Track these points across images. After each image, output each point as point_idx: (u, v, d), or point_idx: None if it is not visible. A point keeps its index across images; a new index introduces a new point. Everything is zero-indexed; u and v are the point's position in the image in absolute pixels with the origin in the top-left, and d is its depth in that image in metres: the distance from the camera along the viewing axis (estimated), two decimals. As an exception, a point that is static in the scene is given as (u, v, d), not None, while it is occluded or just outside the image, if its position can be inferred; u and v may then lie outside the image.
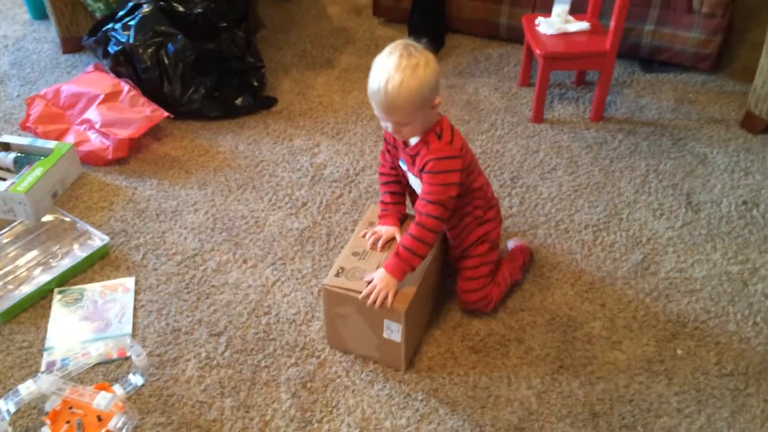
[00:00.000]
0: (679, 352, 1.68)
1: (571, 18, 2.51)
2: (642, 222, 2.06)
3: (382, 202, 1.72)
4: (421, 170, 1.54)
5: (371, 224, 1.69)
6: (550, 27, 2.47)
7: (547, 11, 2.55)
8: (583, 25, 2.47)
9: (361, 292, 1.52)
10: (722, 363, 1.64)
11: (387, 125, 1.53)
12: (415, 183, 1.66)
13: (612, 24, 2.30)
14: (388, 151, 1.70)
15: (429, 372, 1.63)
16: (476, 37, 3.07)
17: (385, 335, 1.55)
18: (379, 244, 1.63)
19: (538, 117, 2.53)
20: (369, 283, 1.53)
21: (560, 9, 2.49)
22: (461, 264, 1.74)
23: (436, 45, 3.00)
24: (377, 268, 1.56)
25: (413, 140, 1.57)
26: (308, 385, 1.61)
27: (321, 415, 1.54)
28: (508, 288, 1.79)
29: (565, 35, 2.46)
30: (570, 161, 2.32)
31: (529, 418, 1.53)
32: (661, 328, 1.74)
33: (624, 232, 2.03)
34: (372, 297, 1.50)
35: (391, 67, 1.43)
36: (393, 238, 1.65)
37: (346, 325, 1.61)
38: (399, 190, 1.74)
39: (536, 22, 2.53)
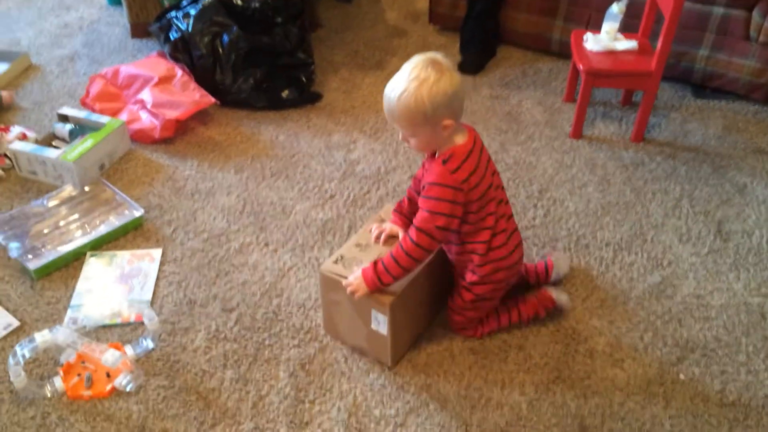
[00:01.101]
0: (681, 376, 1.65)
1: (620, 36, 2.49)
2: (666, 245, 2.03)
3: (400, 203, 1.72)
4: (419, 192, 1.53)
5: (382, 221, 1.72)
6: (597, 44, 2.46)
7: (600, 28, 2.53)
8: (631, 44, 2.45)
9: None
10: (725, 392, 1.61)
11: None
12: None
13: (659, 44, 2.27)
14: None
15: (425, 368, 1.66)
16: (528, 50, 3.08)
17: (372, 326, 1.58)
18: (382, 238, 1.66)
19: (577, 133, 2.51)
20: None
21: (609, 26, 2.47)
22: (451, 291, 1.71)
23: (486, 55, 3.03)
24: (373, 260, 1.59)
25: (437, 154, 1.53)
26: (306, 367, 1.66)
27: (314, 396, 1.59)
28: (504, 327, 1.75)
29: (611, 53, 2.44)
30: (602, 179, 2.30)
31: (517, 423, 1.54)
32: (667, 351, 1.71)
33: (646, 253, 2.00)
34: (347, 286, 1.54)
35: (403, 76, 1.42)
36: (396, 236, 1.66)
37: (339, 312, 1.65)
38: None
39: (584, 38, 2.52)
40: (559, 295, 1.76)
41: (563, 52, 2.96)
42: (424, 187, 1.51)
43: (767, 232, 2.07)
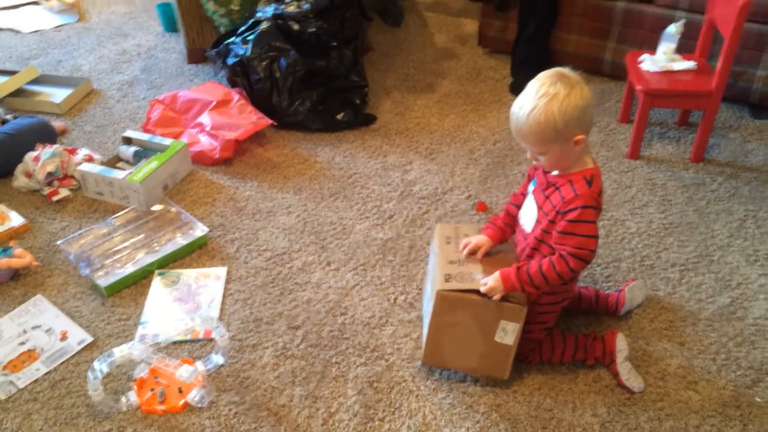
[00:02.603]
0: (758, 399, 1.61)
1: (677, 57, 2.48)
2: (734, 266, 1.99)
3: (496, 216, 1.71)
4: (560, 212, 1.47)
5: (448, 239, 1.70)
6: (654, 64, 2.46)
7: (653, 50, 2.53)
8: (689, 64, 2.44)
9: (477, 291, 1.52)
10: (806, 417, 1.57)
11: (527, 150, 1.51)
12: (529, 209, 1.59)
13: (719, 64, 2.26)
14: (529, 176, 1.65)
15: (493, 387, 1.65)
16: (579, 72, 3.06)
17: (497, 338, 1.55)
18: (467, 251, 1.62)
19: (635, 153, 2.50)
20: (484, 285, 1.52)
21: (666, 47, 2.47)
22: None
23: (537, 77, 3.03)
24: (482, 272, 1.57)
25: (556, 171, 1.52)
26: (374, 384, 1.66)
27: (383, 414, 1.59)
28: (555, 362, 1.70)
29: (669, 73, 2.43)
30: (663, 199, 2.28)
31: (590, 445, 1.52)
32: (741, 374, 1.67)
33: (713, 274, 1.97)
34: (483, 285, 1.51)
35: (531, 93, 1.42)
36: (480, 247, 1.63)
37: (452, 335, 1.59)
38: (517, 215, 1.68)
39: (640, 59, 2.51)
40: (630, 378, 1.64)
41: (615, 74, 2.95)
42: (567, 212, 1.45)
43: (839, 253, 2.02)
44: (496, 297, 1.50)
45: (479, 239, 1.65)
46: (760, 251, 2.04)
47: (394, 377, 1.68)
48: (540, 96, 1.40)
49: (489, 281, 1.51)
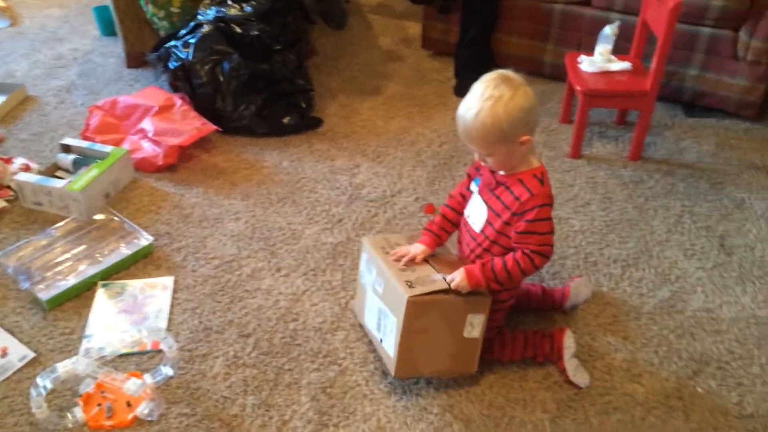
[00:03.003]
0: (699, 390, 1.67)
1: (613, 57, 2.55)
2: (672, 260, 2.07)
3: (432, 222, 1.71)
4: (516, 213, 1.50)
5: (384, 249, 1.67)
6: (592, 65, 2.53)
7: (591, 51, 2.60)
8: (625, 65, 2.52)
9: (444, 291, 1.52)
10: (743, 404, 1.63)
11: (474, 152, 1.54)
12: (478, 209, 1.61)
13: (653, 64, 2.34)
14: (469, 175, 1.68)
15: (446, 388, 1.66)
16: (520, 73, 3.12)
17: (465, 334, 1.57)
18: (404, 261, 1.62)
19: (576, 152, 2.56)
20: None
21: (603, 48, 2.54)
22: None
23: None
24: (436, 272, 1.58)
25: (503, 171, 1.55)
26: (328, 390, 1.66)
27: (338, 420, 1.59)
28: (506, 360, 1.72)
29: (606, 74, 2.50)
30: (604, 197, 2.34)
31: (541, 441, 1.55)
32: (683, 365, 1.74)
33: (653, 269, 2.03)
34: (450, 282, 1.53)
35: (476, 95, 1.44)
36: (417, 257, 1.63)
37: (423, 340, 1.57)
38: (454, 218, 1.70)
39: (579, 60, 2.58)
40: (577, 374, 1.68)
41: (555, 75, 3.02)
42: (525, 212, 1.49)
43: (768, 246, 2.12)
44: (463, 290, 1.52)
45: (416, 248, 1.64)
46: (696, 245, 2.13)
47: (347, 382, 1.68)
48: (485, 99, 1.43)
49: (456, 277, 1.53)
